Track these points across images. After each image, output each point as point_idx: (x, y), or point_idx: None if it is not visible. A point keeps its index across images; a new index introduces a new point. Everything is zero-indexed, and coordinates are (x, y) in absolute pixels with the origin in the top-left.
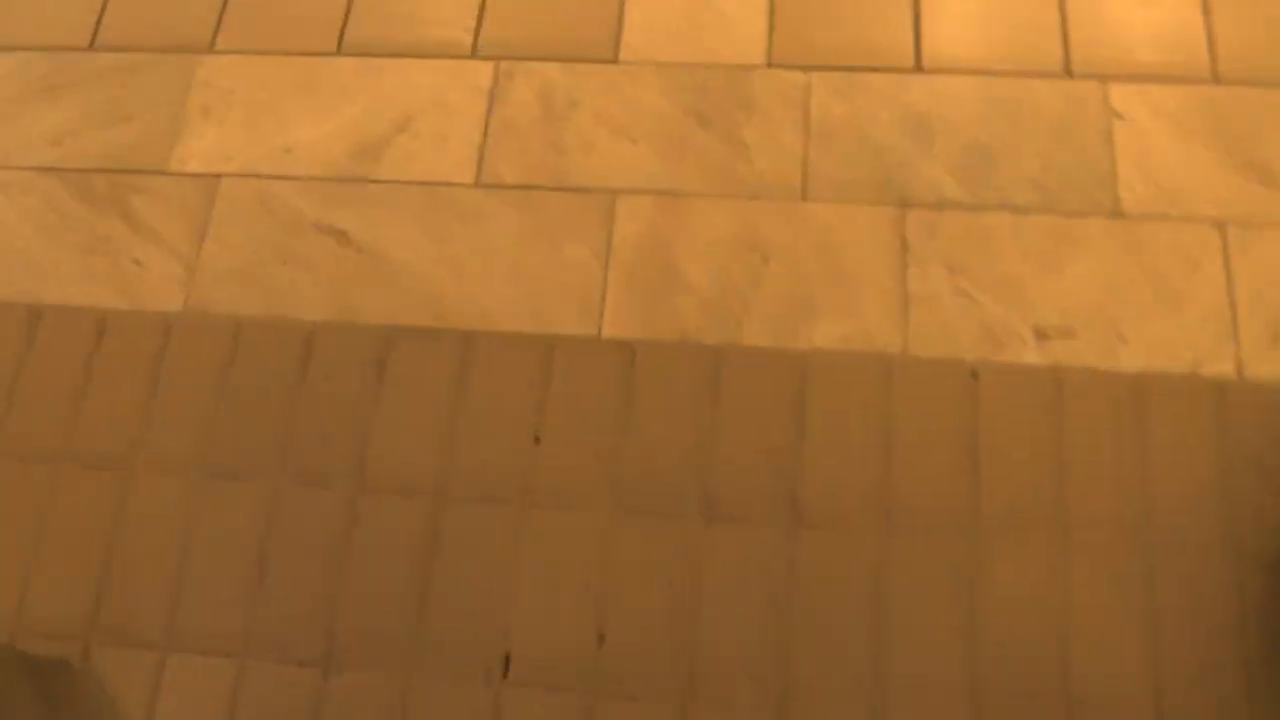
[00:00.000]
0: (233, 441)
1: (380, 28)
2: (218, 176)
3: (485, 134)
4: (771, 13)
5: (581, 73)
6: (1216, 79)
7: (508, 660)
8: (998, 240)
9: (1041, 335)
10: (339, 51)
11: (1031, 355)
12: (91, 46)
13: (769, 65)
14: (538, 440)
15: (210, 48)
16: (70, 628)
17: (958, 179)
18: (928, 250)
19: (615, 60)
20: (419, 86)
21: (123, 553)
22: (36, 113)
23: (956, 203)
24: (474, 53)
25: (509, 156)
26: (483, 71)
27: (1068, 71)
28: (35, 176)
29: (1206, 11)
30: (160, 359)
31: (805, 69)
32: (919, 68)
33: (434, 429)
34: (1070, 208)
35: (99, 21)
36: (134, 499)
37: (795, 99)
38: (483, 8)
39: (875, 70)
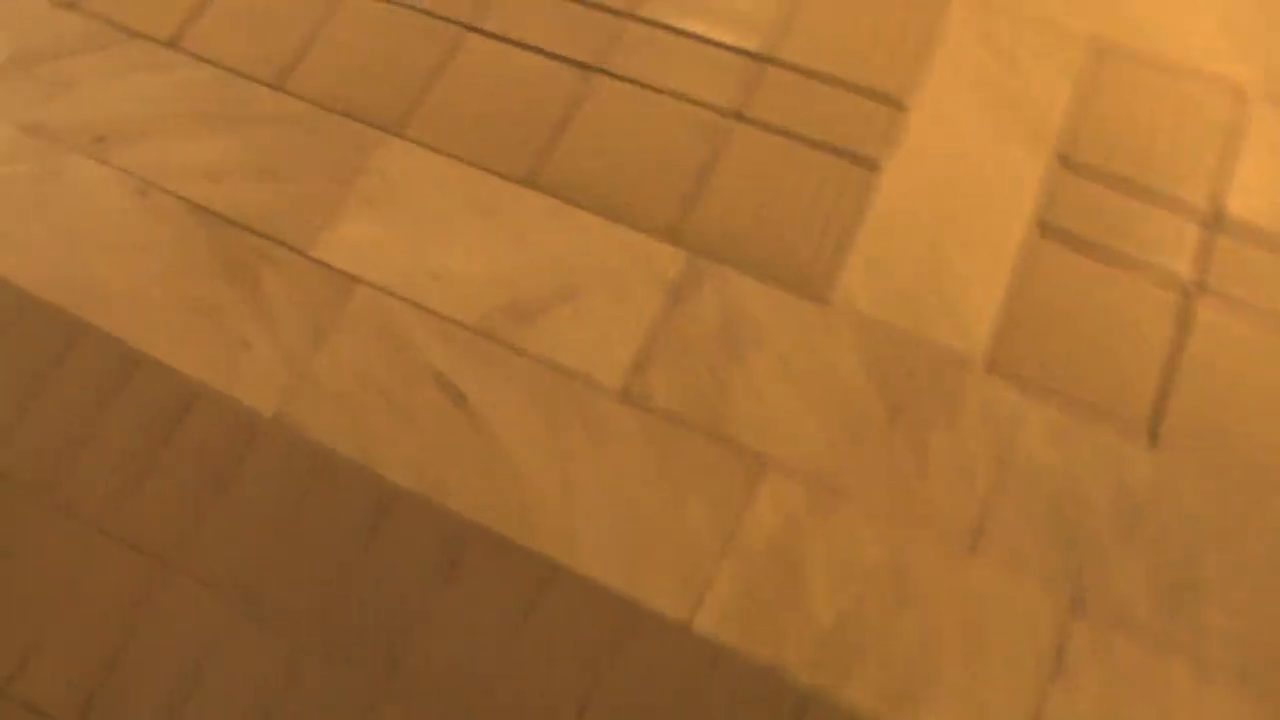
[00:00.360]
0: (276, 581)
1: (583, 169)
2: (356, 280)
3: (652, 338)
4: (1008, 305)
5: (779, 302)
6: None
7: None
8: (1171, 697)
9: None
10: (529, 183)
11: None
12: (281, 86)
13: (987, 368)
14: (581, 717)
15: (398, 130)
16: (58, 712)
17: (1153, 600)
18: (1086, 672)
19: (823, 299)
20: (599, 253)
21: (134, 653)
22: (204, 137)
23: (1140, 628)
24: (671, 235)
25: (667, 374)
26: (673, 261)
27: None
28: (181, 207)
29: None
30: (235, 463)
31: (1024, 388)
32: (1152, 438)
33: (481, 655)
34: (1274, 686)
35: (297, 61)
36: (163, 600)
37: (1002, 423)
38: (701, 186)
39: (1101, 419)
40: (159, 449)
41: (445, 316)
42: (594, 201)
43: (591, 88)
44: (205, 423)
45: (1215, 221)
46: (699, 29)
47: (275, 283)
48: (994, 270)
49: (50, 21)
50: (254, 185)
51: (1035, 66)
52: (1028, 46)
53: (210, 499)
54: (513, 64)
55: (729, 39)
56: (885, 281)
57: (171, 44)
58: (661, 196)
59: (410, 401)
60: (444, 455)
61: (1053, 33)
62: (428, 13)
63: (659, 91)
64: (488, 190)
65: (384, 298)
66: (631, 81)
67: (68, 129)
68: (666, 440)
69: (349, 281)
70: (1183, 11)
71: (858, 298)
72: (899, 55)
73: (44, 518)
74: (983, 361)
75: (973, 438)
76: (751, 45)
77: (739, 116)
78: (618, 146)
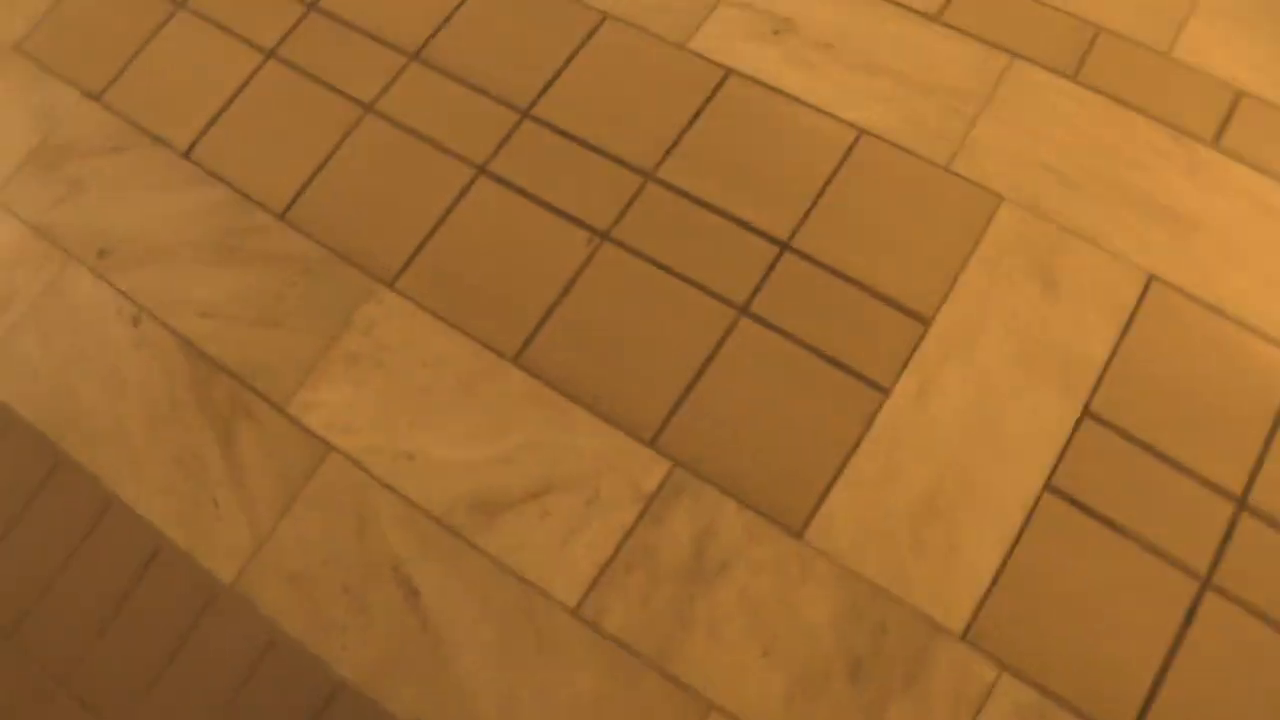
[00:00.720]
0: None
1: (575, 351)
2: (330, 447)
3: (615, 555)
4: (1001, 572)
5: (755, 530)
6: None
7: None
8: None
9: None
10: (517, 360)
11: None
12: (283, 216)
13: (964, 637)
14: None
15: (391, 281)
16: None
17: None
18: None
19: (801, 533)
20: (578, 451)
21: None
22: (204, 266)
23: None
24: (654, 439)
25: (627, 597)
26: (653, 471)
27: None
28: (170, 342)
29: None
30: (188, 629)
31: (1000, 663)
32: None
33: None
34: None
35: (304, 189)
36: None
37: (969, 699)
38: (694, 386)
39: (1078, 711)
40: (119, 605)
41: (412, 501)
42: (581, 391)
43: (596, 256)
44: (166, 582)
45: (1240, 511)
46: (723, 202)
47: (251, 439)
48: (994, 531)
49: (77, 115)
50: (244, 327)
51: (1079, 297)
52: (1074, 272)
53: (161, 665)
54: (520, 217)
55: (752, 217)
56: (870, 524)
57: (188, 154)
58: (651, 394)
59: (365, 589)
60: (390, 652)
61: (1104, 261)
62: (443, 148)
63: (668, 270)
64: (473, 364)
65: (355, 470)
66: (642, 256)
67: (74, 236)
68: (613, 667)
69: (323, 447)
70: (1249, 264)
71: (838, 537)
72: (930, 262)
73: (4, 658)
74: (961, 629)
75: (935, 710)
76: (774, 228)
77: (745, 310)
78: (615, 329)
